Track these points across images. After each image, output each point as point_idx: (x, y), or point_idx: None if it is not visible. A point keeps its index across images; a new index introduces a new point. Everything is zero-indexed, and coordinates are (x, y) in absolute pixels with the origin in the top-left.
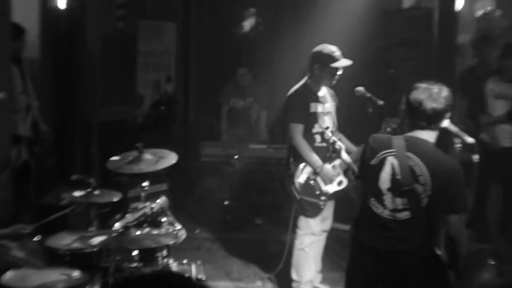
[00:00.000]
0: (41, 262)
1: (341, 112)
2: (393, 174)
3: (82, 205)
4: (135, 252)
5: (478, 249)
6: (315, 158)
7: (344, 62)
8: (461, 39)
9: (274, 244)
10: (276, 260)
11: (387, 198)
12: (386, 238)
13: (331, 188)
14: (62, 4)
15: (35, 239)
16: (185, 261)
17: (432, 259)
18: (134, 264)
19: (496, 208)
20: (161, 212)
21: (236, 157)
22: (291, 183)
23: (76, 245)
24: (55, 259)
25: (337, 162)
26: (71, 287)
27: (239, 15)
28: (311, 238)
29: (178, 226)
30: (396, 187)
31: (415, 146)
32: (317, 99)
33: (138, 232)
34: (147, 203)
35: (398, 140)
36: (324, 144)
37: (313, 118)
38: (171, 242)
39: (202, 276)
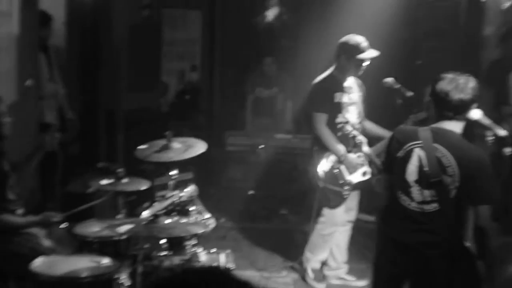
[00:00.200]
0: (69, 249)
1: (368, 104)
2: (421, 166)
3: (110, 193)
4: (163, 241)
5: (504, 241)
6: (338, 147)
7: (371, 53)
8: (487, 31)
9: (298, 234)
10: (301, 250)
11: (415, 190)
12: (414, 230)
13: (355, 178)
14: None
15: (61, 226)
16: (213, 250)
17: (461, 251)
18: (163, 253)
19: None
20: (190, 201)
21: (261, 146)
22: (316, 172)
23: (105, 232)
24: (83, 246)
25: (362, 151)
26: (101, 274)
27: (263, 4)
28: (332, 228)
29: (207, 215)
30: (424, 179)
31: (442, 137)
32: (342, 89)
33: (167, 221)
34: (175, 192)
35: (424, 132)
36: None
37: (337, 108)
38: (200, 231)
39: (231, 266)
